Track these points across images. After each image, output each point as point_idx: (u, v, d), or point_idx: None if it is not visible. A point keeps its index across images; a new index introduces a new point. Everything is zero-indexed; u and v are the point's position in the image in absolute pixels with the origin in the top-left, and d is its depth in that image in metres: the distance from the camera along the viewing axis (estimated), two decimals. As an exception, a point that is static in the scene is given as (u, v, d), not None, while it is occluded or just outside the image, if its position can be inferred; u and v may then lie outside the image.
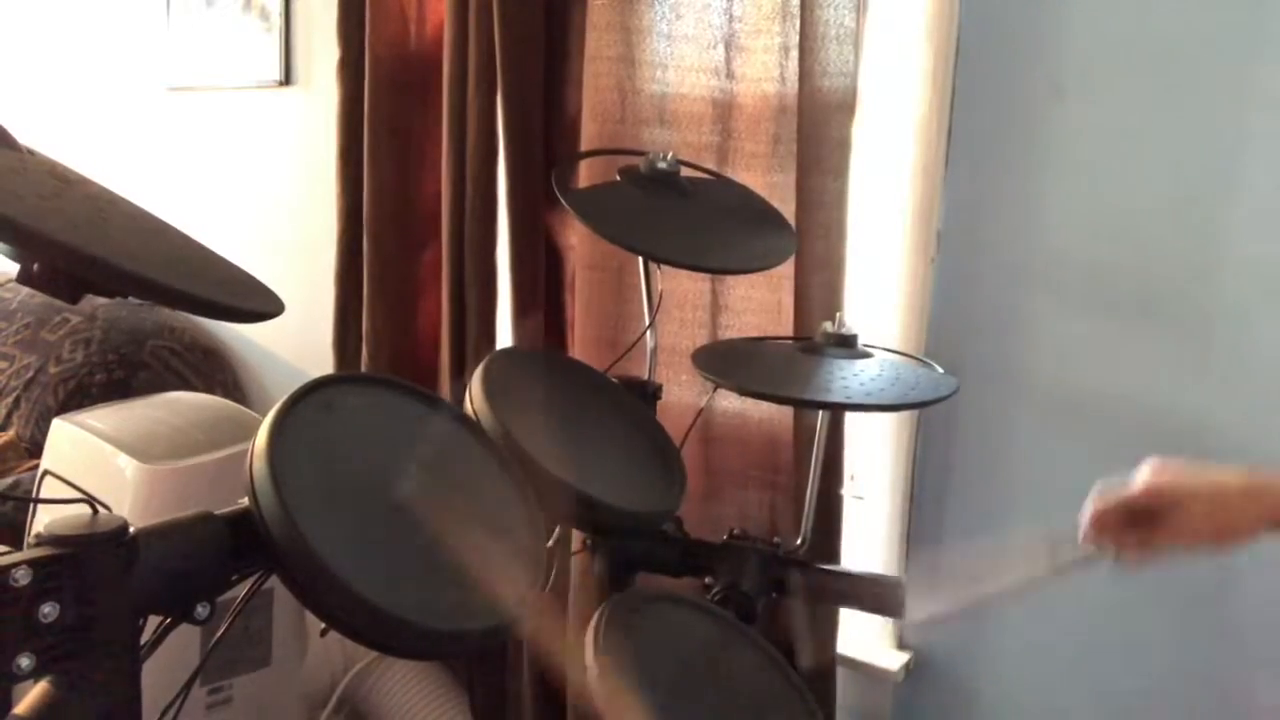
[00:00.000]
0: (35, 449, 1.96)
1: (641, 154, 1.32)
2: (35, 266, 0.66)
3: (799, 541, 1.25)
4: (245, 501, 0.73)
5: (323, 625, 0.73)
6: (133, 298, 0.73)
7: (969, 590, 0.88)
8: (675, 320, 1.52)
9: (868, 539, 1.59)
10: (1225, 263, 1.29)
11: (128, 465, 1.29)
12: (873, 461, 1.59)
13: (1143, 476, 0.85)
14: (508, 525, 0.89)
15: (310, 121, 2.11)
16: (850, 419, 1.49)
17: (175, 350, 2.24)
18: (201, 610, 0.71)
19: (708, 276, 1.51)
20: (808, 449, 1.29)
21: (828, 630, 1.51)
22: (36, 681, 0.65)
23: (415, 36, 1.80)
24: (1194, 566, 1.34)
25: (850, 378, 1.12)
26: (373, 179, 1.79)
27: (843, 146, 1.42)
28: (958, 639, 1.56)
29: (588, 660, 0.86)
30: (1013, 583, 0.89)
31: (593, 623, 0.90)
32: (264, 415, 0.77)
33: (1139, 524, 0.84)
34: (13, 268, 0.67)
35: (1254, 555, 1.30)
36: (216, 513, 0.74)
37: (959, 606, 0.85)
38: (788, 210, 1.39)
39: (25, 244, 0.63)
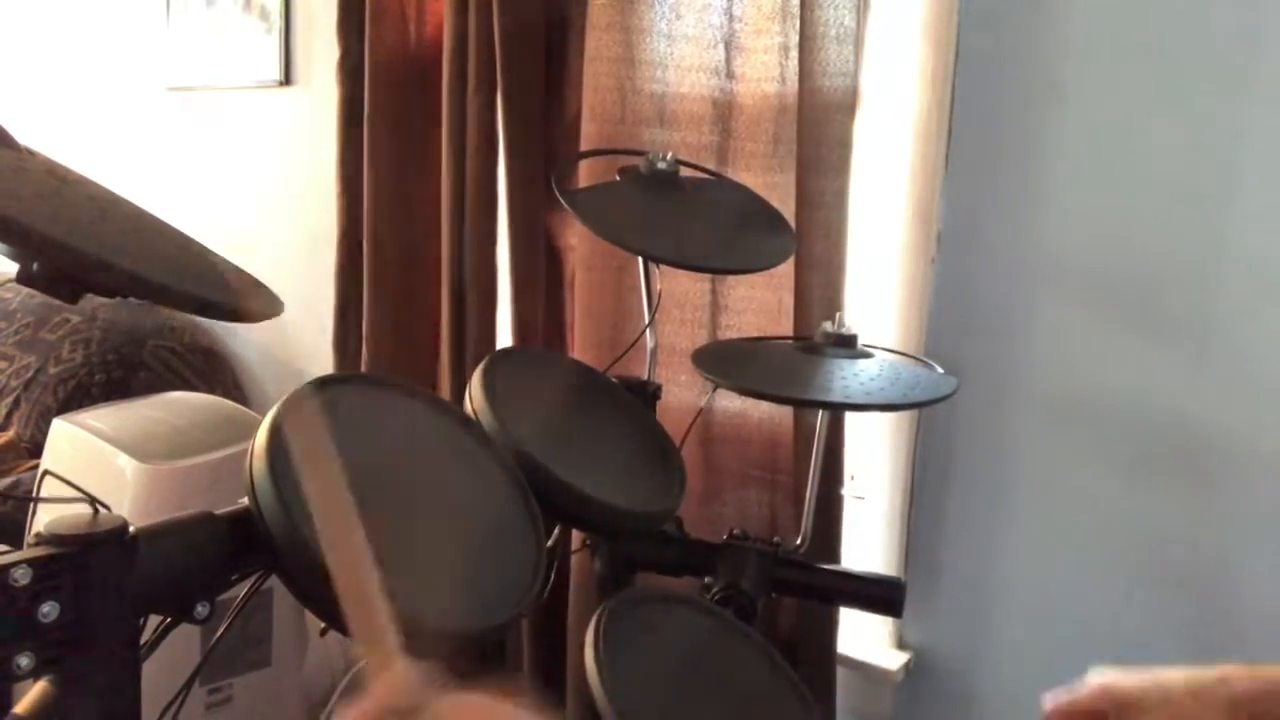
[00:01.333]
0: (35, 449, 1.96)
1: (641, 154, 1.32)
2: (35, 266, 0.66)
3: (799, 541, 1.25)
4: (245, 501, 0.73)
5: (323, 625, 0.73)
6: (132, 298, 0.73)
7: None
8: (675, 320, 1.52)
9: (868, 539, 1.59)
10: (1225, 262, 1.29)
11: (128, 465, 1.29)
12: (873, 461, 1.59)
13: (1095, 680, 0.86)
14: (508, 525, 0.89)
15: (310, 121, 2.12)
16: (850, 419, 1.49)
17: (175, 350, 2.24)
18: (201, 610, 0.71)
19: (707, 276, 1.51)
20: (808, 449, 1.29)
21: (828, 630, 1.51)
22: (36, 681, 0.65)
23: (415, 36, 1.80)
24: (1196, 564, 1.35)
25: (850, 378, 1.12)
26: (373, 179, 1.79)
27: (843, 146, 1.42)
28: (958, 639, 1.56)
29: (587, 660, 0.86)
30: None
31: (593, 623, 0.90)
32: (264, 415, 0.77)
33: None
34: (13, 268, 0.67)
35: (1256, 554, 1.31)
36: (216, 513, 0.74)
37: None
38: (788, 210, 1.39)
39: (24, 243, 0.63)
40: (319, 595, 0.71)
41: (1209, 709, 0.79)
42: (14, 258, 0.66)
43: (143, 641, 0.70)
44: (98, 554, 0.65)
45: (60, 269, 0.66)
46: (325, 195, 1.88)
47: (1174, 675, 0.81)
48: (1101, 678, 0.83)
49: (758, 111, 1.45)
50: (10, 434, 2.12)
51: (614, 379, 1.28)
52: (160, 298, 0.70)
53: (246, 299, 0.80)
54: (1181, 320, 1.34)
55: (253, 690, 1.40)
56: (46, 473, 1.40)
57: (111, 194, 0.81)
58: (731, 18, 1.45)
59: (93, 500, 0.70)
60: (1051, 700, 0.84)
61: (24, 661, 0.62)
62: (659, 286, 1.35)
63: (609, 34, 1.48)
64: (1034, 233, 1.41)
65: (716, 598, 1.13)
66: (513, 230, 1.63)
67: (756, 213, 1.36)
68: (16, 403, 2.16)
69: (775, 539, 1.21)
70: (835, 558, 1.49)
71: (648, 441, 1.20)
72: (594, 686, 0.83)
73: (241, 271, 0.85)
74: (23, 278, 0.66)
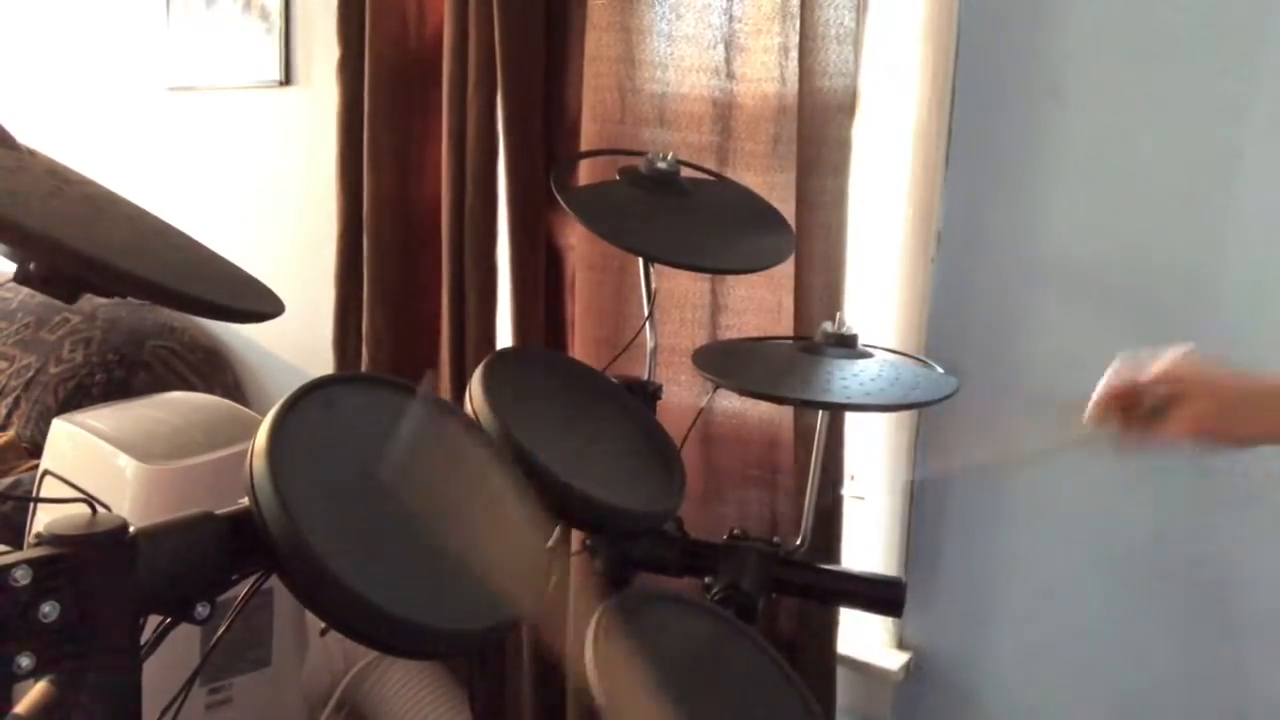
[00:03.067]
0: (35, 449, 1.96)
1: (641, 154, 1.32)
2: (32, 266, 0.66)
3: (799, 541, 1.25)
4: (245, 501, 0.73)
5: (323, 625, 0.73)
6: (132, 298, 0.73)
7: (979, 451, 0.89)
8: (675, 320, 1.52)
9: (868, 539, 1.59)
10: (1225, 262, 1.29)
11: (128, 465, 1.29)
12: (873, 461, 1.59)
13: (1161, 361, 0.85)
14: (508, 525, 0.89)
15: (310, 121, 2.12)
16: (850, 419, 1.49)
17: (175, 350, 2.24)
18: (201, 610, 0.71)
19: (708, 276, 1.51)
20: (808, 449, 1.29)
21: (828, 630, 1.51)
22: (36, 681, 0.65)
23: (415, 36, 1.80)
24: (1196, 564, 1.34)
25: (850, 378, 1.12)
26: (373, 179, 1.79)
27: (843, 146, 1.42)
28: (958, 639, 1.56)
29: (587, 660, 0.86)
30: (1021, 451, 0.90)
31: (592, 623, 0.90)
32: (264, 415, 0.77)
33: (1148, 407, 0.84)
34: (12, 267, 0.67)
35: (1256, 554, 1.31)
36: (216, 513, 0.74)
37: (970, 465, 0.86)
38: (788, 210, 1.39)
39: (23, 243, 0.63)
40: (319, 595, 0.71)
41: (1267, 411, 0.79)
42: (12, 257, 0.66)
43: (143, 641, 0.70)
44: (98, 554, 0.65)
45: (57, 269, 0.66)
46: (325, 195, 1.88)
47: (1244, 376, 0.81)
48: (1172, 360, 0.82)
49: (758, 111, 1.45)
50: (10, 434, 2.12)
51: (614, 379, 1.28)
52: (160, 298, 0.70)
53: (246, 299, 0.80)
54: (1181, 320, 1.34)
55: (253, 690, 1.40)
56: (46, 473, 1.40)
57: (112, 194, 0.81)
58: (731, 18, 1.45)
59: (93, 500, 0.70)
60: (1114, 375, 0.83)
61: (24, 661, 0.62)
62: (655, 285, 1.35)
63: (609, 34, 1.48)
64: (1034, 233, 1.41)
65: (716, 598, 1.13)
66: (513, 230, 1.63)
67: (756, 213, 1.36)
68: (16, 403, 2.16)
69: (775, 539, 1.21)
70: (835, 558, 1.49)
71: (648, 441, 1.20)
72: (594, 686, 0.83)
73: (241, 271, 0.85)
74: (20, 277, 0.66)
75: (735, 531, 1.21)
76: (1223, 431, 0.82)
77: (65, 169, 0.79)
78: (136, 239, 0.76)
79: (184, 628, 0.72)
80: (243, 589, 0.76)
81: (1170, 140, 1.31)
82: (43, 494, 1.40)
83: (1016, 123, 1.41)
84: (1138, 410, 0.85)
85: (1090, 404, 0.88)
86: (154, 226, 0.82)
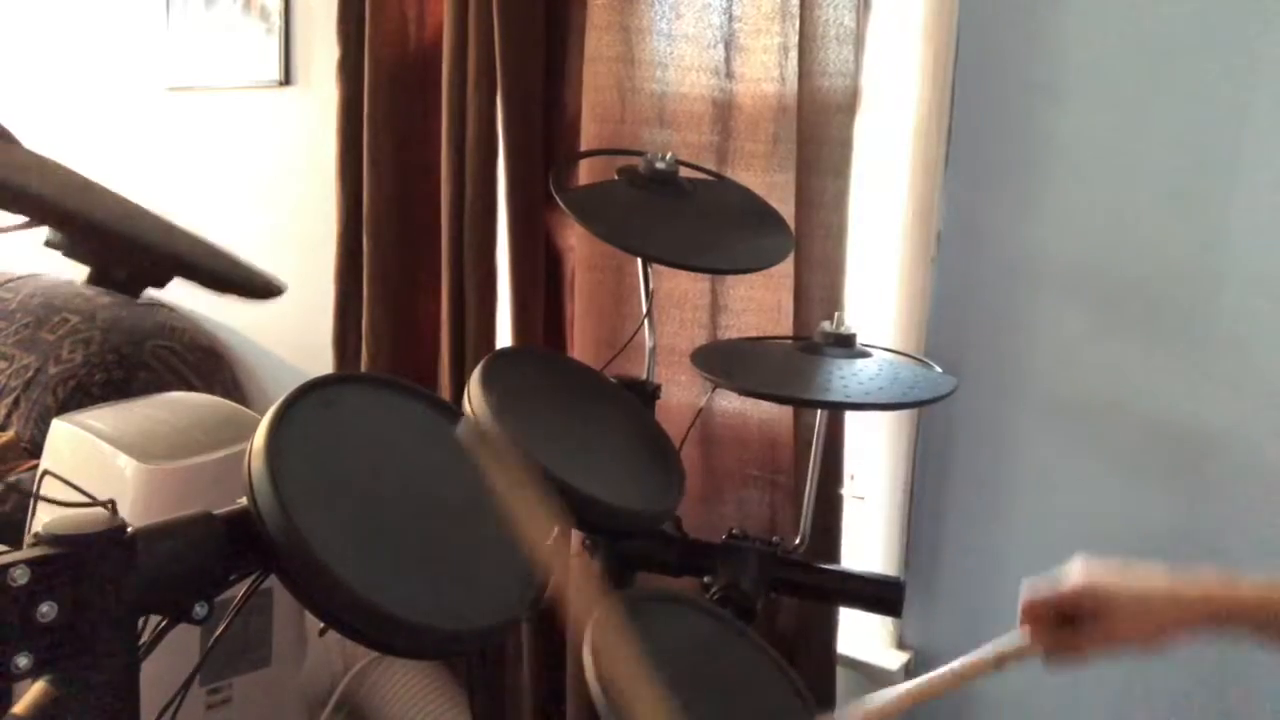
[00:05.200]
0: (35, 449, 1.96)
1: (641, 154, 1.32)
2: (120, 271, 0.67)
3: (799, 541, 1.25)
4: (244, 501, 0.73)
5: (323, 625, 0.73)
6: (159, 288, 0.75)
7: (908, 683, 0.89)
8: (674, 320, 1.52)
9: (868, 539, 1.59)
10: (1225, 262, 1.29)
11: (128, 465, 1.29)
12: (873, 461, 1.59)
13: (1072, 576, 0.85)
14: (508, 525, 0.89)
15: (310, 121, 2.11)
16: (850, 419, 1.49)
17: (175, 350, 2.24)
18: (200, 610, 0.71)
19: (707, 276, 1.51)
20: (807, 449, 1.29)
21: (828, 630, 1.51)
22: (35, 681, 0.65)
23: (415, 36, 1.80)
24: (1196, 564, 1.34)
25: (849, 377, 1.12)
26: (372, 179, 1.79)
27: (843, 146, 1.42)
28: (958, 639, 1.56)
29: (587, 660, 0.85)
30: (947, 673, 0.89)
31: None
32: (264, 415, 0.77)
33: (1068, 622, 0.84)
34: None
35: (1256, 554, 1.31)
36: (216, 513, 0.74)
37: (897, 703, 0.86)
38: (788, 210, 1.39)
39: (111, 246, 0.65)
40: (318, 595, 0.71)
41: (1187, 614, 0.79)
42: (79, 257, 0.67)
43: (142, 641, 0.70)
44: (96, 554, 0.65)
45: (140, 267, 0.68)
46: (325, 195, 1.88)
47: (1155, 576, 0.81)
48: (1082, 572, 0.82)
49: (758, 111, 1.45)
50: (10, 434, 2.12)
51: (613, 379, 1.28)
52: (215, 285, 0.72)
53: (258, 278, 0.81)
54: (1181, 320, 1.34)
55: (253, 690, 1.40)
56: (46, 473, 1.40)
57: (113, 191, 0.82)
58: (731, 18, 1.45)
59: (93, 500, 0.70)
60: (1030, 591, 0.84)
61: (23, 661, 0.62)
62: (654, 285, 1.35)
63: (609, 34, 1.48)
64: (1034, 233, 1.41)
65: (716, 598, 1.13)
66: (513, 230, 1.63)
67: (756, 213, 1.36)
68: (16, 403, 2.16)
69: (775, 539, 1.21)
70: (835, 558, 1.49)
71: (647, 441, 1.20)
72: (594, 686, 0.83)
73: (240, 259, 0.85)
74: (97, 279, 0.68)
75: (735, 531, 1.21)
76: (1148, 637, 0.82)
77: (50, 159, 0.80)
78: (164, 229, 0.77)
79: (183, 628, 0.72)
80: (242, 589, 0.76)
81: (1170, 140, 1.31)
82: (42, 494, 1.40)
83: (1016, 123, 1.41)
84: (1062, 627, 0.85)
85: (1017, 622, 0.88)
86: (160, 217, 0.83)
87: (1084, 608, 0.83)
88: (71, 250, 0.67)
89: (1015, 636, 0.88)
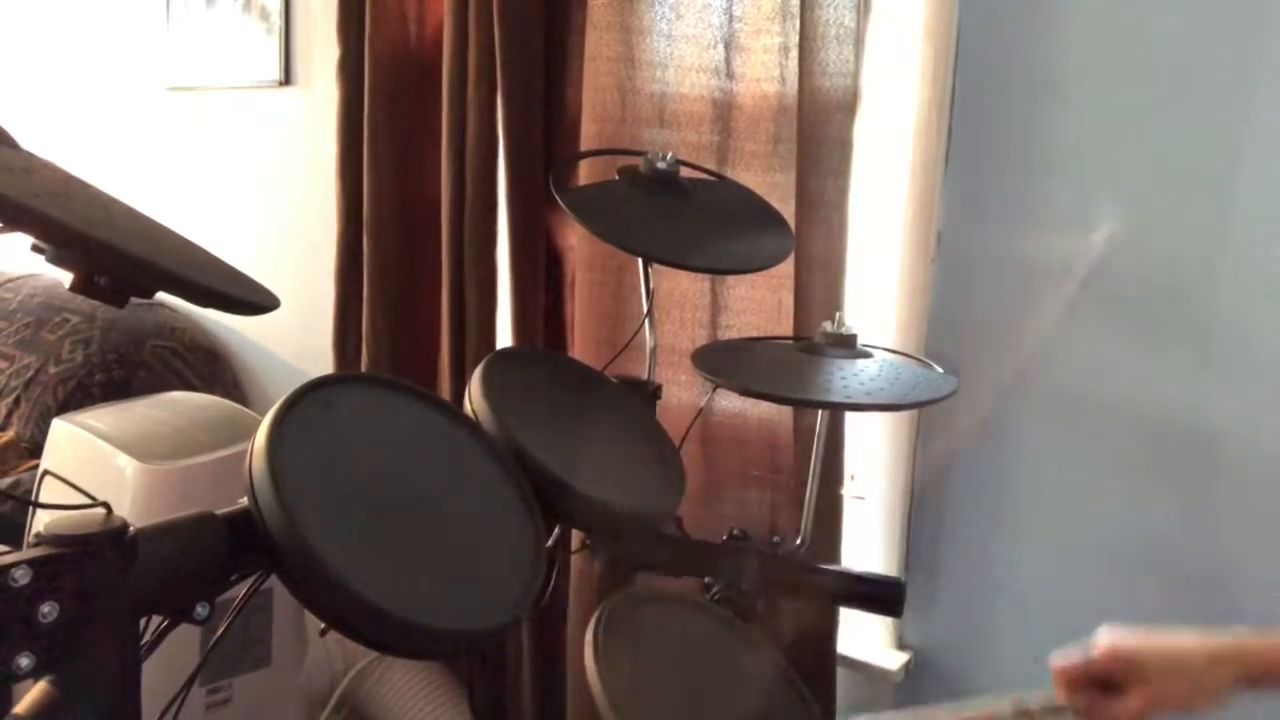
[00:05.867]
0: (35, 449, 1.96)
1: (641, 154, 1.32)
2: (101, 280, 0.67)
3: (799, 541, 1.25)
4: (245, 501, 0.73)
5: (323, 625, 0.73)
6: (150, 299, 0.75)
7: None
8: (675, 320, 1.52)
9: (868, 539, 1.59)
10: (1225, 262, 1.29)
11: (128, 465, 1.29)
12: (873, 461, 1.59)
13: (1105, 640, 0.85)
14: (508, 525, 0.89)
15: (310, 121, 2.12)
16: (850, 419, 1.49)
17: (175, 350, 2.24)
18: (201, 610, 0.71)
19: (707, 276, 1.51)
20: (808, 449, 1.29)
21: (827, 630, 1.51)
22: (36, 681, 0.65)
23: (415, 36, 1.80)
24: (1196, 564, 1.34)
25: (850, 378, 1.12)
26: (373, 179, 1.79)
27: (843, 146, 1.42)
28: (958, 639, 1.56)
29: (587, 660, 0.86)
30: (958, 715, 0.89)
31: (592, 623, 0.90)
32: (264, 415, 0.77)
33: (1101, 688, 0.84)
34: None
35: (1256, 554, 1.31)
36: (216, 513, 0.74)
37: None
38: (788, 210, 1.39)
39: (93, 257, 0.65)
40: (318, 595, 0.71)
41: (1221, 672, 0.79)
42: (61, 263, 0.67)
43: (143, 642, 0.70)
44: (97, 554, 0.65)
45: (124, 278, 0.68)
46: (325, 195, 1.88)
47: (1185, 638, 0.81)
48: (1111, 638, 0.82)
49: (758, 111, 1.45)
50: (10, 434, 2.12)
51: (614, 379, 1.28)
52: (198, 297, 0.72)
53: (251, 293, 0.81)
54: (1182, 320, 1.34)
55: (253, 690, 1.40)
56: (46, 473, 1.40)
57: (109, 195, 0.82)
58: (731, 18, 1.45)
59: (94, 501, 0.70)
60: (1060, 659, 0.84)
61: (24, 662, 0.62)
62: (655, 285, 1.35)
63: (609, 34, 1.48)
64: (1034, 233, 1.41)
65: (716, 598, 1.13)
66: (513, 230, 1.63)
67: (756, 213, 1.36)
68: (16, 403, 2.16)
69: (775, 539, 1.21)
70: (835, 558, 1.49)
71: (647, 441, 1.20)
72: (594, 686, 0.83)
73: (236, 269, 0.85)
74: (81, 288, 0.68)
75: (735, 531, 1.21)
76: (1190, 700, 0.82)
77: (66, 170, 0.80)
78: (151, 237, 0.77)
79: (184, 628, 0.72)
80: (242, 589, 0.76)
81: (1170, 140, 1.31)
82: (43, 494, 1.40)
83: (1016, 123, 1.41)
84: (1095, 695, 0.85)
85: (1053, 691, 0.88)
86: (156, 226, 0.82)
87: (1117, 673, 0.83)
88: (55, 257, 0.68)
89: (1046, 693, 0.87)
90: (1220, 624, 1.34)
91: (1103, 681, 0.84)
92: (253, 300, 0.79)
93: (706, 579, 1.16)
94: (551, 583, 0.95)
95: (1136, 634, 0.84)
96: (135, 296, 0.71)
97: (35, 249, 0.68)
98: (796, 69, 1.39)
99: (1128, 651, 0.83)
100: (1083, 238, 1.39)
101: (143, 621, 0.70)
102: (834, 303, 1.45)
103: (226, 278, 0.82)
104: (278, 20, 2.16)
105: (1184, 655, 0.83)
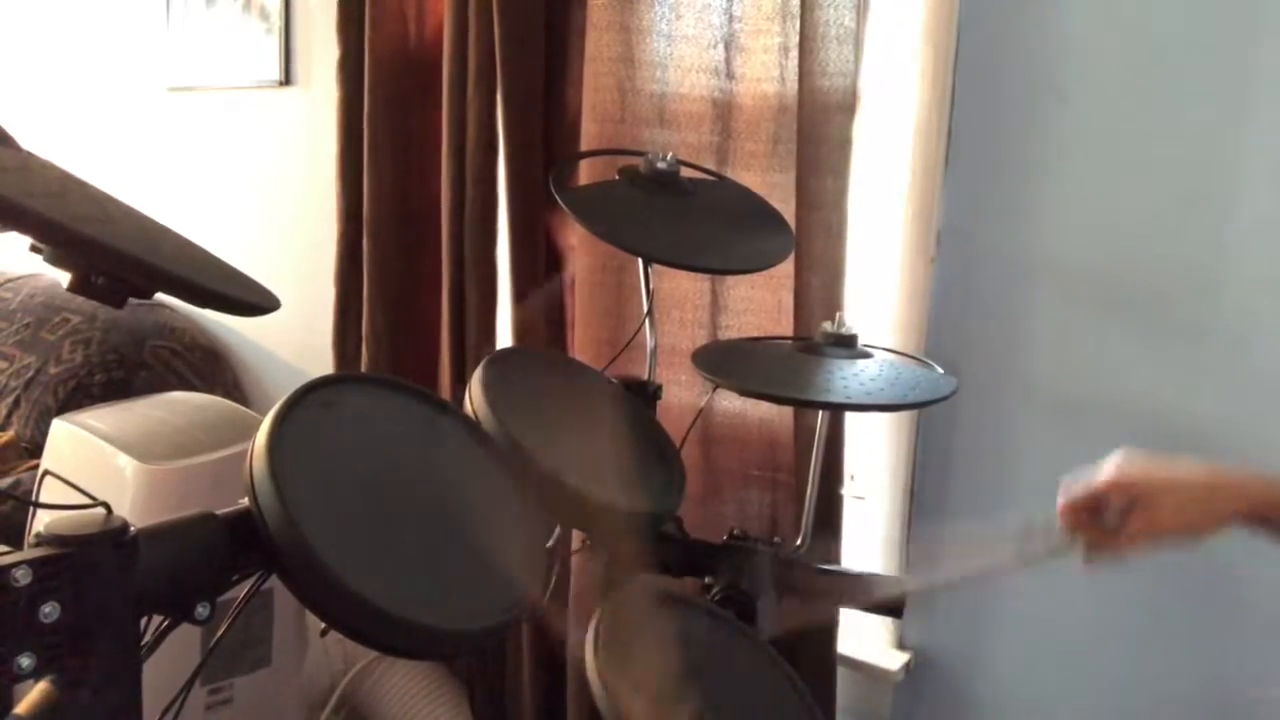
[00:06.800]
0: (35, 449, 1.96)
1: (641, 154, 1.32)
2: (98, 279, 0.67)
3: (799, 541, 1.25)
4: (245, 501, 0.73)
5: (323, 625, 0.73)
6: (149, 299, 0.75)
7: (944, 571, 0.89)
8: (675, 320, 1.52)
9: (868, 539, 1.59)
10: (1225, 262, 1.29)
11: (128, 465, 1.29)
12: (873, 461, 1.59)
13: (1109, 469, 0.85)
14: (508, 525, 0.89)
15: (310, 121, 2.12)
16: (850, 419, 1.49)
17: (175, 350, 2.24)
18: (201, 610, 0.71)
19: (707, 276, 1.51)
20: (808, 449, 1.29)
21: (828, 630, 1.51)
22: (36, 681, 0.65)
23: (415, 36, 1.80)
24: (1197, 564, 1.34)
25: (850, 378, 1.12)
26: (373, 179, 1.79)
27: (843, 146, 1.42)
28: (958, 639, 1.56)
29: (587, 660, 0.86)
30: (984, 566, 0.90)
31: (593, 623, 0.90)
32: (264, 415, 0.77)
33: (1106, 516, 0.84)
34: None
35: (1255, 551, 1.31)
36: (216, 513, 0.74)
37: (934, 585, 0.87)
38: (788, 210, 1.39)
39: (93, 258, 0.65)
40: (319, 595, 0.71)
41: (1221, 503, 0.79)
42: (60, 263, 0.67)
43: (143, 642, 0.70)
44: (98, 554, 0.65)
45: (121, 277, 0.68)
46: (325, 195, 1.88)
47: (1193, 468, 0.81)
48: (1119, 464, 0.82)
49: (758, 111, 1.45)
50: (10, 434, 2.12)
51: (614, 379, 1.28)
52: (198, 298, 0.72)
53: (251, 293, 0.81)
54: (1182, 319, 1.34)
55: (253, 690, 1.40)
56: (46, 473, 1.40)
57: (106, 194, 0.82)
58: (731, 18, 1.45)
59: (94, 501, 0.70)
60: (1066, 492, 0.84)
61: (25, 662, 0.62)
62: (655, 285, 1.35)
63: (609, 34, 1.48)
64: (1034, 233, 1.41)
65: (716, 598, 1.13)
66: (513, 230, 1.63)
67: (756, 213, 1.36)
68: (16, 403, 2.16)
69: (775, 539, 1.21)
70: (835, 558, 1.49)
71: (648, 442, 1.20)
72: (594, 686, 0.83)
73: (236, 269, 0.85)
74: (78, 288, 0.68)
75: (735, 531, 1.21)
76: (1188, 526, 0.82)
77: (64, 170, 0.80)
78: (150, 237, 0.77)
79: (184, 628, 0.72)
80: (243, 589, 0.76)
81: (1170, 140, 1.31)
82: (43, 494, 1.40)
83: (1016, 123, 1.41)
84: (1100, 523, 0.85)
85: (1057, 519, 0.88)
86: (156, 226, 0.82)
87: (1121, 499, 0.83)
88: (52, 257, 0.67)
89: (1050, 530, 0.87)
90: (1221, 624, 1.34)
91: (1105, 507, 0.84)
92: (253, 300, 0.79)
93: (706, 579, 1.16)
94: (551, 583, 0.95)
95: (1142, 459, 0.84)
96: (134, 297, 0.71)
97: (33, 249, 0.68)
98: (796, 69, 1.39)
99: (1129, 480, 0.83)
100: (1083, 238, 1.39)
101: (143, 621, 0.70)
102: (834, 303, 1.45)
103: (226, 278, 0.82)
104: (278, 20, 2.16)
105: (1185, 480, 0.83)
